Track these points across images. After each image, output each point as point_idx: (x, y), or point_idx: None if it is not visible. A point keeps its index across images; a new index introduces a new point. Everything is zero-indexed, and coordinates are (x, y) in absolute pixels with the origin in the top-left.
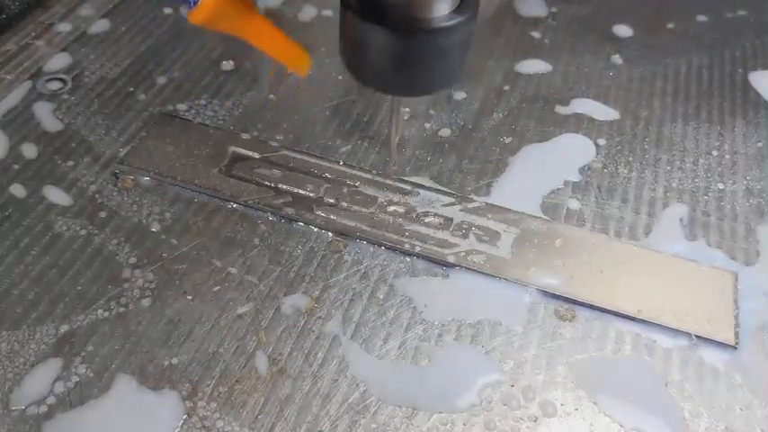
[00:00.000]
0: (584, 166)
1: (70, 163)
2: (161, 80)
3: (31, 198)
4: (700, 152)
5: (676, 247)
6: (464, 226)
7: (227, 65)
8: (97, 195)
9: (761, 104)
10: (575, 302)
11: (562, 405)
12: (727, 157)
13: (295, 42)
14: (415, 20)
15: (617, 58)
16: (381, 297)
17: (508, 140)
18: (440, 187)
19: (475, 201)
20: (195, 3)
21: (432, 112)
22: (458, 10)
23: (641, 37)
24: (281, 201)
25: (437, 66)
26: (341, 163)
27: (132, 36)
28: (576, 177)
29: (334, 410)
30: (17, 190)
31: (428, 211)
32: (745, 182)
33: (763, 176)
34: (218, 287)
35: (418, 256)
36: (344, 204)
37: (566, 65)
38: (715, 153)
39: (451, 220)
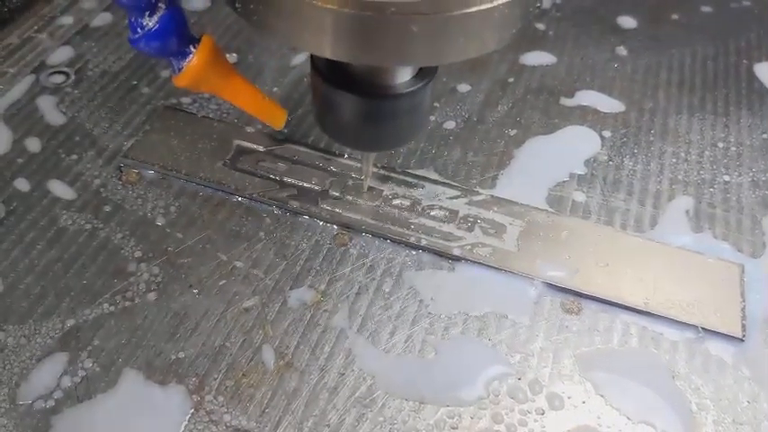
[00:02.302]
0: (590, 159)
1: (74, 157)
2: (164, 73)
3: (35, 192)
4: (705, 144)
5: (682, 239)
6: (470, 219)
7: (231, 57)
8: (102, 189)
9: (766, 96)
10: (581, 295)
11: (569, 398)
12: (733, 148)
13: (270, 99)
14: (380, 87)
15: (621, 50)
16: (387, 290)
17: (513, 133)
18: (445, 180)
19: (480, 193)
20: (180, 69)
21: (436, 104)
22: (418, 75)
23: (646, 28)
24: (286, 194)
25: (401, 125)
26: (345, 156)
27: None
28: (581, 170)
29: (342, 404)
30: (21, 184)
31: (433, 204)
32: (750, 173)
33: None
34: (224, 281)
35: (424, 249)
36: (350, 197)
37: (570, 56)
38: (720, 145)
39: (457, 212)
